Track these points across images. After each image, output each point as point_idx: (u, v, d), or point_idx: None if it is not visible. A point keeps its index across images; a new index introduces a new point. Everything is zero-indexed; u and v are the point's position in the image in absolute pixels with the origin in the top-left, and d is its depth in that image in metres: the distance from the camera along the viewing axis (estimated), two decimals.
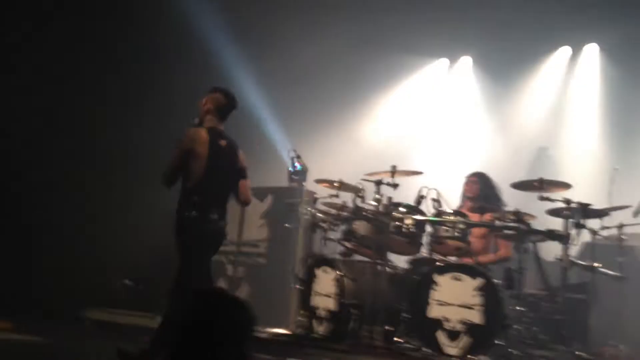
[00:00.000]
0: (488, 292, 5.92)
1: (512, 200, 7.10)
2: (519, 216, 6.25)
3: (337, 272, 6.68)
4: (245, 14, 10.00)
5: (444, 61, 11.58)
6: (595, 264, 6.73)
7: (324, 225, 7.18)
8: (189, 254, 5.35)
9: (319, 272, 6.84)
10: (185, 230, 5.31)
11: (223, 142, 5.45)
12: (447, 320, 5.94)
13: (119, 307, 9.70)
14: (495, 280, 6.06)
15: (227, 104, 5.58)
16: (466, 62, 11.40)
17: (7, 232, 10.35)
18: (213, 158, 5.30)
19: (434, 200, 6.58)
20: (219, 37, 9.89)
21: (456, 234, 6.50)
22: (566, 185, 6.45)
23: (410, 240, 6.74)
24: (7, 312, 9.33)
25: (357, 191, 7.05)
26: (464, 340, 5.83)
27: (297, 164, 8.37)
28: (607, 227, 6.93)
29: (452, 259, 6.81)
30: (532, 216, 6.53)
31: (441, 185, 6.72)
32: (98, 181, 10.17)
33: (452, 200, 7.13)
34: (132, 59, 9.84)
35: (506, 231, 6.38)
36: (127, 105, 9.82)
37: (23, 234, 10.48)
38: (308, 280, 6.95)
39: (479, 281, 5.98)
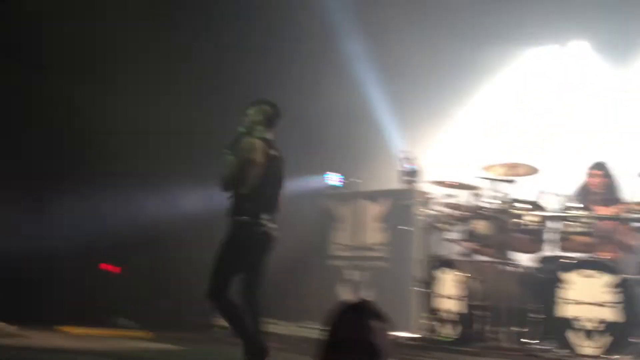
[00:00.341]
0: (625, 288, 5.64)
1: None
2: None
3: (459, 273, 6.59)
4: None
5: (554, 47, 11.02)
6: None
7: (440, 225, 7.10)
8: (235, 257, 5.53)
9: (439, 274, 6.77)
10: (238, 235, 5.48)
11: (274, 152, 5.64)
12: (578, 319, 5.72)
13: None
14: (631, 276, 5.77)
15: (275, 115, 5.78)
16: (581, 46, 10.83)
17: (143, 246, 11.02)
18: (267, 167, 5.50)
19: (554, 195, 6.36)
20: (332, 35, 9.95)
21: (583, 228, 6.24)
22: None
23: (532, 238, 6.54)
24: (151, 324, 9.92)
25: (473, 189, 6.93)
26: (603, 339, 5.58)
27: (409, 165, 8.32)
28: None
29: (580, 255, 6.53)
30: None
31: (558, 179, 6.47)
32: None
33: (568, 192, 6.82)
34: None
35: (634, 223, 6.05)
36: None
37: (158, 247, 11.10)
38: (428, 283, 6.90)
39: (611, 277, 5.71)
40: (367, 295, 9.11)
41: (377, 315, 1.85)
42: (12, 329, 8.43)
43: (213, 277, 5.60)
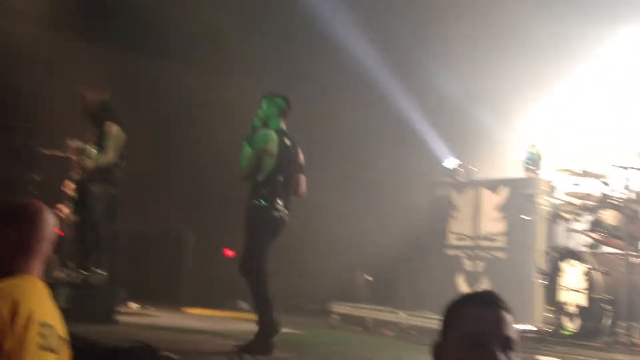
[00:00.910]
0: None
1: None
2: None
3: (586, 265, 6.29)
4: None
5: None
6: None
7: (566, 216, 6.80)
8: (259, 239, 5.93)
9: (565, 266, 6.50)
10: (256, 217, 5.88)
11: (288, 142, 6.00)
12: None
13: (362, 302, 10.09)
14: None
15: (288, 107, 6.13)
16: None
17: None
18: (281, 156, 5.90)
19: None
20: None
21: None
22: None
23: None
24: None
25: (600, 177, 6.58)
26: None
27: (531, 152, 8.02)
28: None
29: None
30: None
31: None
32: (338, 184, 10.72)
33: None
34: None
35: None
36: None
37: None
38: (553, 275, 6.64)
39: None
40: (485, 286, 8.92)
41: (507, 307, 1.78)
42: (137, 307, 8.96)
43: (243, 256, 6.04)
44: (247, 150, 5.93)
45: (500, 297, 1.78)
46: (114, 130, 7.11)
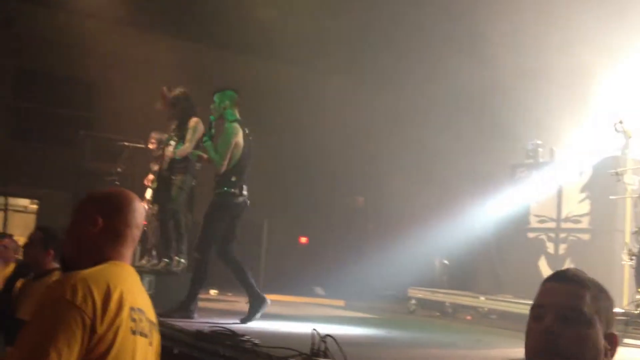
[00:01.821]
0: None
1: None
2: None
3: None
4: None
5: None
6: None
7: None
8: (218, 223, 6.27)
9: None
10: (224, 203, 6.26)
11: (247, 130, 6.38)
12: None
13: (440, 287, 9.97)
14: None
15: (238, 97, 6.50)
16: None
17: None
18: (245, 145, 6.31)
19: None
20: None
21: None
22: None
23: None
24: (343, 293, 10.25)
25: None
26: None
27: (617, 130, 7.65)
28: None
29: None
30: None
31: None
32: (416, 170, 10.64)
33: None
34: None
35: None
36: None
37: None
38: None
39: None
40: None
41: (582, 281, 1.69)
42: (216, 293, 9.12)
43: (208, 240, 6.28)
44: (210, 145, 6.29)
45: (575, 273, 1.73)
46: (194, 123, 7.26)
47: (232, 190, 6.25)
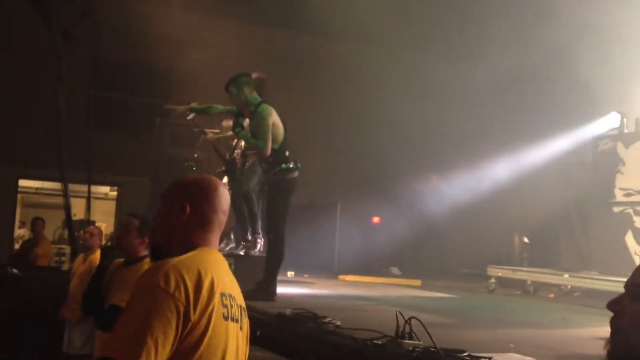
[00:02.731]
0: None
1: None
2: None
3: None
4: None
5: None
6: None
7: None
8: (286, 201, 6.35)
9: None
10: (285, 180, 6.26)
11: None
12: None
13: (520, 265, 9.74)
14: None
15: (250, 79, 6.45)
16: None
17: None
18: (283, 122, 6.33)
19: None
20: None
21: None
22: None
23: None
24: (419, 273, 10.20)
25: None
26: None
27: None
28: None
29: None
30: None
31: None
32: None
33: None
34: None
35: None
36: None
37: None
38: None
39: None
40: None
41: None
42: (292, 275, 9.18)
43: (280, 219, 6.34)
44: (244, 134, 6.36)
45: None
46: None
47: (290, 165, 6.29)
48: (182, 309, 1.85)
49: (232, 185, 7.45)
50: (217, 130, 8.02)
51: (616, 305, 1.53)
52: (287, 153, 6.30)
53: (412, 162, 11.72)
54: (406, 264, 11.34)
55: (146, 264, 3.67)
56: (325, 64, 11.33)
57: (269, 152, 6.22)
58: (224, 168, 7.64)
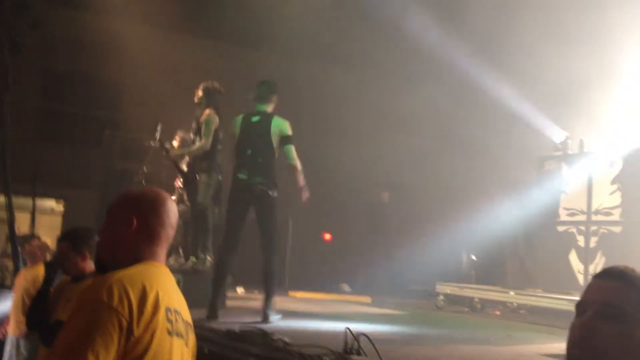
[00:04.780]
0: None
1: None
2: None
3: None
4: None
5: None
6: None
7: None
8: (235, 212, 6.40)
9: None
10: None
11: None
12: None
13: (468, 282, 9.87)
14: None
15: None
16: None
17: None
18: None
19: None
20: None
21: None
22: None
23: None
24: (369, 290, 10.22)
25: None
26: None
27: None
28: None
29: None
30: None
31: None
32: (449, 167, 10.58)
33: None
34: None
35: None
36: None
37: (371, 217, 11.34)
38: None
39: None
40: (601, 262, 8.49)
41: (627, 278, 1.65)
42: (243, 291, 9.11)
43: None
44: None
45: (622, 270, 1.68)
46: (210, 117, 7.09)
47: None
48: (125, 323, 1.82)
49: (187, 200, 7.38)
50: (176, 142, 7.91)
51: (587, 329, 1.58)
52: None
53: (365, 179, 11.81)
54: (357, 280, 11.37)
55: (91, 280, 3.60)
56: (281, 80, 11.36)
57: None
58: (181, 182, 7.55)
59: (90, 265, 3.93)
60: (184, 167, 7.45)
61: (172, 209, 2.18)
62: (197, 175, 7.18)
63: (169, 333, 1.98)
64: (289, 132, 6.44)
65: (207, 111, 7.13)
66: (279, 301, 8.64)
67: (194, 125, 7.31)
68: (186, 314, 2.13)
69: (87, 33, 10.44)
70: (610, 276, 1.67)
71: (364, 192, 11.96)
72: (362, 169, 11.77)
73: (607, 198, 8.65)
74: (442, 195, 10.99)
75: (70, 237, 3.97)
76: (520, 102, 9.99)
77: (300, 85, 11.33)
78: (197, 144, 7.07)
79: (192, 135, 7.32)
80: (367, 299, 9.77)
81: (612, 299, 1.61)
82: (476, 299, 8.99)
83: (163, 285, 2.02)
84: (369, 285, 10.79)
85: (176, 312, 2.04)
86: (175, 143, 7.81)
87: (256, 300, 8.50)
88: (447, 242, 10.26)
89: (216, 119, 7.06)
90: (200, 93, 7.24)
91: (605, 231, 8.62)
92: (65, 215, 13.03)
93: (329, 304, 9.13)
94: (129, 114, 10.50)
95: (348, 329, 3.97)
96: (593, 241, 8.72)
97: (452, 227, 10.27)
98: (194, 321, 2.21)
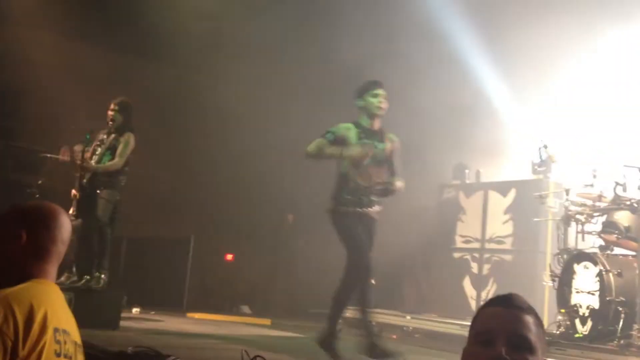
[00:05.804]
0: None
1: None
2: None
3: (598, 267, 6.19)
4: None
5: None
6: None
7: (579, 217, 6.70)
8: None
9: (578, 268, 6.40)
10: None
11: None
12: None
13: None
14: None
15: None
16: None
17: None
18: None
19: None
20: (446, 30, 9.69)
21: None
22: None
23: None
24: (269, 312, 10.15)
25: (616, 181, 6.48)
26: None
27: (543, 154, 7.93)
28: None
29: None
30: None
31: None
32: None
33: None
34: None
35: None
36: None
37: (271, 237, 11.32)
38: (566, 277, 6.54)
39: None
40: (493, 289, 8.84)
41: (526, 308, 1.73)
42: (138, 311, 8.85)
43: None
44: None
45: (520, 299, 1.74)
46: (130, 140, 7.13)
47: None
48: (9, 344, 1.73)
49: (84, 215, 7.09)
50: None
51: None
52: None
53: (270, 201, 11.78)
54: (258, 302, 11.29)
55: None
56: (168, 91, 11.16)
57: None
58: (78, 196, 7.24)
59: None
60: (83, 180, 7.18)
61: (65, 224, 2.09)
62: (97, 189, 6.96)
63: (57, 354, 1.91)
64: None
65: (128, 133, 7.14)
66: (177, 322, 8.49)
67: (102, 136, 7.15)
68: (76, 334, 2.06)
69: None
70: (512, 305, 1.71)
71: (270, 214, 11.93)
72: (268, 190, 11.74)
73: (500, 227, 9.04)
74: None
75: None
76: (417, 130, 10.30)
77: (204, 100, 11.19)
78: (113, 162, 6.95)
79: (95, 147, 7.11)
80: (267, 322, 9.70)
81: (520, 329, 1.66)
82: (374, 323, 9.10)
83: (52, 304, 1.94)
84: (270, 308, 10.73)
85: (65, 332, 1.97)
86: (62, 157, 7.60)
87: (153, 320, 8.29)
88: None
89: (133, 143, 7.04)
90: (117, 108, 7.12)
91: (498, 259, 8.99)
92: None
93: (228, 325, 9.01)
94: (24, 124, 10.05)
95: (245, 350, 3.91)
96: (486, 268, 9.08)
97: None
98: (83, 342, 2.12)
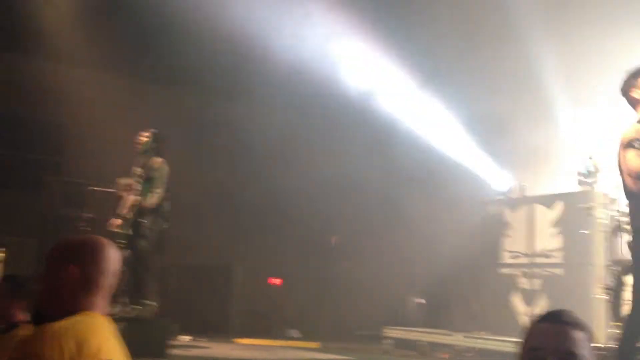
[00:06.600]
0: None
1: None
2: None
3: None
4: None
5: None
6: None
7: (626, 228, 6.51)
8: None
9: (627, 280, 6.22)
10: None
11: None
12: None
13: (415, 325, 9.90)
14: None
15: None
16: None
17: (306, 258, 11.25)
18: None
19: None
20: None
21: None
22: None
23: None
24: (318, 335, 10.12)
25: None
26: None
27: (587, 165, 7.77)
28: None
29: None
30: None
31: None
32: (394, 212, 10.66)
33: None
34: None
35: None
36: None
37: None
38: (617, 289, 6.36)
39: None
40: (543, 304, 8.64)
41: (578, 324, 1.69)
42: (189, 339, 8.90)
43: None
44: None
45: (570, 315, 1.74)
46: (158, 164, 7.17)
47: None
48: None
49: (129, 246, 7.21)
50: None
51: None
52: None
53: (314, 224, 11.81)
54: (306, 326, 11.26)
55: (24, 329, 3.43)
56: (213, 122, 11.32)
57: None
58: (121, 227, 7.38)
59: (20, 316, 3.72)
60: (126, 211, 7.31)
61: (113, 256, 2.14)
62: (141, 220, 7.08)
63: None
64: None
65: (158, 160, 7.19)
66: (225, 348, 8.53)
67: (138, 170, 7.25)
68: None
69: (26, 76, 10.28)
70: (564, 321, 1.70)
71: (314, 236, 11.95)
72: (312, 213, 11.77)
73: (548, 241, 8.85)
74: (389, 238, 11.05)
75: (10, 280, 3.79)
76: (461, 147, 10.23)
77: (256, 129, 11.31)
78: (154, 194, 7.04)
79: (136, 181, 7.22)
80: (316, 345, 9.68)
81: (573, 347, 1.65)
82: (423, 342, 9.00)
83: (103, 337, 1.97)
84: (318, 331, 10.71)
85: None
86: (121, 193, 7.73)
87: (202, 348, 8.35)
88: (395, 284, 10.31)
89: (167, 169, 7.10)
90: (146, 139, 7.21)
91: (547, 273, 8.80)
92: (6, 264, 12.54)
93: (276, 350, 9.01)
94: (70, 158, 10.30)
95: None
96: (536, 284, 8.88)
97: (399, 270, 10.34)
98: None
